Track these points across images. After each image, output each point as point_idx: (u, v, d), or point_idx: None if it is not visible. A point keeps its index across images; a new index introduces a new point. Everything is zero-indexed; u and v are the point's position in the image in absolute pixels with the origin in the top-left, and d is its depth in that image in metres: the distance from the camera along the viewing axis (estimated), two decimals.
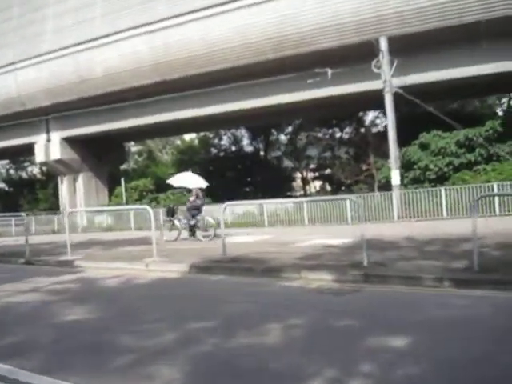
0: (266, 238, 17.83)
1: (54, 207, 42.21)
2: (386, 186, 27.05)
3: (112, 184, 41.42)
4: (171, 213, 19.44)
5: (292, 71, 27.59)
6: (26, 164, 55.87)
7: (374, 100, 27.25)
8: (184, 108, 33.03)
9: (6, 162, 55.91)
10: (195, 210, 18.47)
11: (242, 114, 33.80)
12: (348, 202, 23.37)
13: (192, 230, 18.45)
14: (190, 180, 20.11)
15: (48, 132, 38.90)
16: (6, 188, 56.37)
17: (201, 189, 19.36)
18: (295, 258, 10.87)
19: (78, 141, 38.52)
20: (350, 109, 37.85)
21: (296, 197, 48.43)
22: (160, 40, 30.28)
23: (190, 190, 20.53)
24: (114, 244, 18.25)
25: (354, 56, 25.18)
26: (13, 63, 36.55)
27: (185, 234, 18.67)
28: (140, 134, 42.15)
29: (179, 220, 18.96)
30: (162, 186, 40.70)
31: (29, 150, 40.58)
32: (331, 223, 24.02)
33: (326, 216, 24.77)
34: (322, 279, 8.65)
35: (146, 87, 32.07)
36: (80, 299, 8.20)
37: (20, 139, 39.93)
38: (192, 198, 18.91)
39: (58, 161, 38.69)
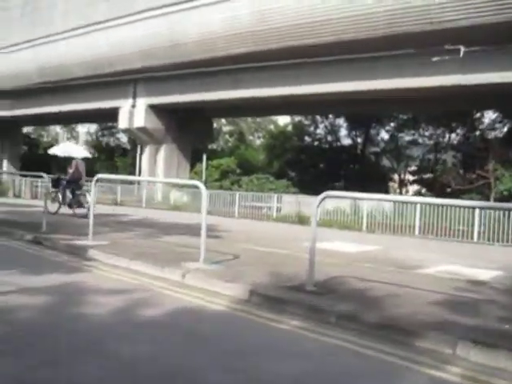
0: (368, 249, 12.90)
1: None
2: (507, 199, 21.58)
3: (195, 160, 37.69)
4: (56, 184, 17.22)
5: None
6: (114, 130, 53.05)
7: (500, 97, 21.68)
8: (274, 85, 28.52)
9: (95, 127, 53.67)
10: (73, 184, 16.57)
11: (341, 98, 29.20)
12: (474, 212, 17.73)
13: (70, 204, 16.64)
14: (71, 150, 18.95)
15: (134, 97, 35.61)
16: (95, 154, 54.09)
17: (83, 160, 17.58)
18: (432, 302, 6.17)
19: (163, 110, 35.06)
20: (465, 106, 32.18)
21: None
22: (263, 4, 25.74)
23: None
24: (166, 229, 14.29)
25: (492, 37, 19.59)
26: (106, 21, 33.22)
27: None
28: (228, 109, 38.22)
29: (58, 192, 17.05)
30: (247, 170, 36.71)
31: (114, 115, 37.38)
32: (450, 238, 18.36)
33: (444, 227, 18.93)
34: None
35: (240, 57, 27.78)
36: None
37: (106, 102, 36.90)
38: (71, 170, 16.86)
39: (141, 129, 35.33)
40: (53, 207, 15.62)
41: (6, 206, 18.57)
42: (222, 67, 29.26)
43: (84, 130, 66.71)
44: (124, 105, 36.02)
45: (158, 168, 36.27)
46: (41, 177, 18.32)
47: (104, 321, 5.04)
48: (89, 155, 18.91)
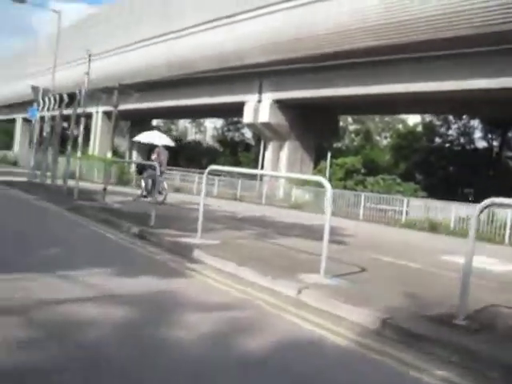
0: None
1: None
2: None
3: (318, 158, 36.29)
4: (140, 171, 17.27)
5: None
6: (239, 126, 52.88)
7: None
8: (404, 80, 26.56)
9: (221, 121, 53.83)
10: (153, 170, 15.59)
11: (479, 97, 26.64)
12: None
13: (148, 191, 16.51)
14: (154, 137, 18.83)
15: (260, 92, 34.79)
16: (219, 148, 54.38)
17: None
18: None
19: (288, 105, 33.99)
20: None
21: None
22: None
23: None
24: (283, 229, 13.01)
25: None
26: (233, 15, 32.75)
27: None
28: (354, 106, 36.53)
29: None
30: (371, 170, 34.81)
31: (239, 109, 36.87)
32: None
33: None
34: None
35: (368, 51, 26.08)
36: None
37: (231, 97, 36.50)
38: (153, 157, 16.78)
39: (266, 124, 34.43)
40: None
41: (122, 196, 18.16)
42: (347, 61, 27.63)
43: (211, 125, 67.84)
44: (249, 99, 35.41)
45: (281, 164, 35.31)
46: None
47: (195, 353, 3.82)
48: (171, 144, 18.53)
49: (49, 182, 18.08)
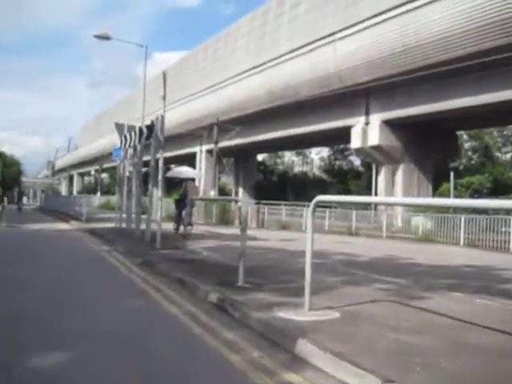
0: None
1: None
2: None
3: (437, 180, 31.98)
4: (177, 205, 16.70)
5: None
6: (346, 153, 49.23)
7: None
8: None
9: (327, 151, 50.47)
10: (182, 203, 16.05)
11: None
12: None
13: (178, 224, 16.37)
14: (180, 172, 19.04)
15: (367, 113, 31.33)
16: (326, 178, 50.95)
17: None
18: None
19: (400, 125, 30.28)
20: None
21: None
22: None
23: None
24: (430, 278, 9.19)
25: None
26: (332, 34, 29.76)
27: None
28: (473, 119, 31.89)
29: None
30: (497, 189, 30.00)
31: (344, 135, 33.48)
32: None
33: None
34: None
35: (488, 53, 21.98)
36: None
37: (336, 122, 33.22)
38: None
39: (376, 147, 30.85)
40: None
41: (215, 239, 15.23)
42: (463, 64, 23.53)
43: (316, 156, 64.77)
44: (356, 123, 31.99)
45: (396, 190, 31.41)
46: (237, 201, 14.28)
47: None
48: (196, 176, 19.65)
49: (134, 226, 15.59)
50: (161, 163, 12.41)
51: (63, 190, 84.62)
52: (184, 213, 15.81)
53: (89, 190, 72.43)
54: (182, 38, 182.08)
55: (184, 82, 46.11)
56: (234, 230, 20.80)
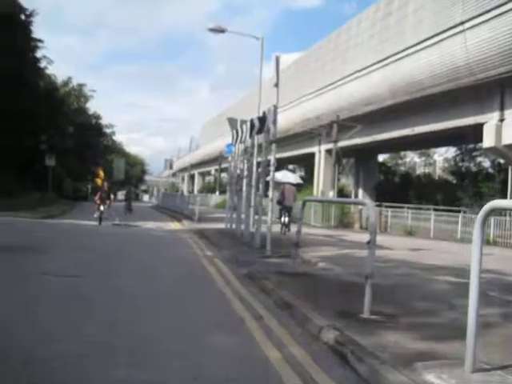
0: None
1: None
2: None
3: None
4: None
5: None
6: (474, 154, 45.12)
7: None
8: None
9: (453, 151, 46.66)
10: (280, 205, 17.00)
11: None
12: None
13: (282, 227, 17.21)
14: (280, 176, 19.97)
15: (502, 108, 27.83)
16: (453, 180, 47.14)
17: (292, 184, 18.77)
18: None
19: None
20: None
21: None
22: None
23: None
24: None
25: None
26: (461, 23, 26.74)
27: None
28: None
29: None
30: None
31: (474, 134, 30.24)
32: None
33: None
34: None
35: None
36: None
37: (464, 119, 29.96)
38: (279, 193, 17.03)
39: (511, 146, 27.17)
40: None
41: (334, 246, 13.39)
42: None
43: (440, 158, 60.52)
44: (488, 119, 28.65)
45: None
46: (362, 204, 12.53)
47: None
48: (296, 181, 19.72)
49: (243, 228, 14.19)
50: (272, 159, 10.84)
51: (184, 188, 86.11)
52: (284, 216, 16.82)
53: (209, 189, 72.88)
54: (302, 39, 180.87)
55: (303, 80, 44.56)
56: (354, 236, 18.88)
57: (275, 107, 10.87)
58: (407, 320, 5.33)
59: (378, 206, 27.05)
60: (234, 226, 15.71)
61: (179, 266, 9.80)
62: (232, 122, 16.18)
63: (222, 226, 18.20)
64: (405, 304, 6.20)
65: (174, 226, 21.26)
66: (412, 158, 63.42)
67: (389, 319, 5.33)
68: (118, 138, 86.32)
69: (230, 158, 16.89)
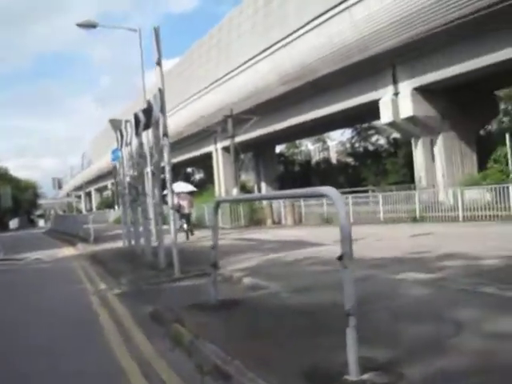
0: None
1: (406, 180, 30.07)
2: None
3: (480, 148, 27.69)
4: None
5: None
6: (370, 132, 44.75)
7: None
8: None
9: (349, 132, 46.17)
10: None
11: None
12: None
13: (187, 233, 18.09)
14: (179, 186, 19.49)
15: (395, 83, 27.07)
16: (352, 162, 46.63)
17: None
18: None
19: (434, 91, 25.99)
20: None
21: None
22: None
23: None
24: None
25: None
26: None
27: None
28: None
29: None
30: None
31: (368, 112, 29.33)
32: None
33: None
34: None
35: None
36: None
37: (359, 97, 29.01)
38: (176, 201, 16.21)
39: (410, 119, 26.62)
40: None
41: (256, 252, 11.14)
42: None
43: (333, 142, 60.30)
44: (383, 95, 27.65)
45: (437, 164, 27.08)
46: (321, 196, 10.27)
47: None
48: (188, 189, 20.04)
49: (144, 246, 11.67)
50: (166, 157, 8.42)
51: (82, 207, 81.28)
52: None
53: (107, 204, 69.04)
54: (185, 43, 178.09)
55: (189, 80, 42.06)
56: (270, 233, 16.83)
57: (161, 91, 8.45)
58: (418, 370, 3.20)
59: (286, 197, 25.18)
60: (133, 242, 13.16)
61: (56, 318, 6.77)
62: (115, 122, 13.60)
63: (120, 244, 15.55)
64: (398, 336, 4.06)
65: (67, 251, 18.17)
66: (306, 145, 62.86)
67: (391, 377, 3.17)
68: (4, 164, 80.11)
69: (117, 165, 14.22)
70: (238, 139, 33.83)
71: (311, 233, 15.67)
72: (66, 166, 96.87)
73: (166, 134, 8.38)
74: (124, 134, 11.92)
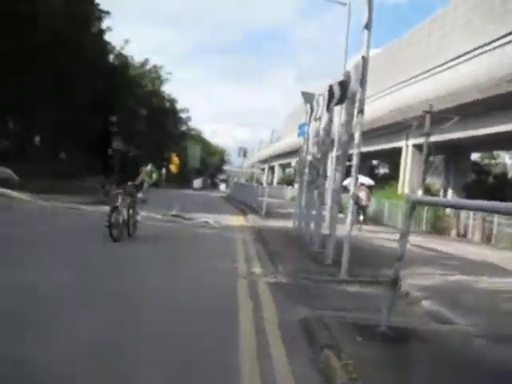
0: None
1: None
2: None
3: None
4: None
5: None
6: None
7: None
8: None
9: None
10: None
11: None
12: None
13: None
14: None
15: None
16: None
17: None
18: None
19: None
20: None
21: None
22: None
23: None
24: None
25: None
26: None
27: None
28: None
29: None
30: None
31: None
32: None
33: None
34: None
35: None
36: None
37: None
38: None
39: None
40: None
41: (446, 268, 9.36)
42: None
43: None
44: None
45: None
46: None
47: None
48: (368, 183, 19.17)
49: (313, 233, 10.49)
50: (357, 137, 7.09)
51: (264, 180, 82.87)
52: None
53: (288, 181, 69.45)
54: (388, 34, 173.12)
55: (392, 69, 39.91)
56: (455, 247, 14.76)
57: (364, 59, 7.07)
58: None
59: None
60: (303, 224, 12.08)
61: (187, 306, 5.71)
62: (307, 95, 12.50)
63: (290, 224, 14.63)
64: None
65: (235, 221, 17.76)
66: (504, 158, 57.03)
67: None
68: (203, 128, 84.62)
69: (302, 141, 13.13)
70: (432, 139, 31.18)
71: (505, 257, 13.30)
72: (257, 138, 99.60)
73: (361, 111, 7.04)
74: (315, 107, 10.79)
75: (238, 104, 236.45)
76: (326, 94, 9.27)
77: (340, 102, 8.59)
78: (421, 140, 31.58)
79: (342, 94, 8.36)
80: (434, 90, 32.23)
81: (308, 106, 11.76)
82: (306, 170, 11.77)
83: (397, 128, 37.88)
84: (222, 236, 12.70)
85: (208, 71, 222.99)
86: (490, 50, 27.84)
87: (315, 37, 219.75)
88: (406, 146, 40.33)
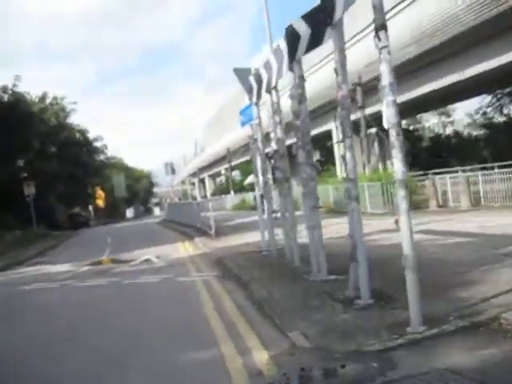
0: None
1: None
2: None
3: None
4: None
5: None
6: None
7: None
8: None
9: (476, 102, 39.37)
10: None
11: None
12: None
13: None
14: None
15: None
16: (486, 135, 39.92)
17: None
18: None
19: None
20: None
21: None
22: None
23: None
24: None
25: None
26: None
27: None
28: None
29: None
30: None
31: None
32: None
33: None
34: None
35: None
36: None
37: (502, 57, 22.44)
38: None
39: None
40: None
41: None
42: None
43: (458, 116, 53.46)
44: None
45: None
46: None
47: None
48: None
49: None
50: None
51: (197, 194, 79.20)
52: None
53: (221, 190, 66.33)
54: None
55: None
56: (436, 221, 12.01)
57: None
58: None
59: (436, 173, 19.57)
60: (276, 236, 8.77)
61: None
62: (241, 72, 9.27)
63: (251, 238, 11.35)
64: None
65: (183, 250, 14.22)
66: (427, 120, 56.05)
67: None
68: (124, 155, 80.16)
69: (251, 129, 9.63)
70: (358, 115, 28.62)
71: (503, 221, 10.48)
72: (181, 155, 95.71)
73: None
74: (255, 84, 7.50)
75: (153, 125, 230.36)
76: (282, 42, 6.02)
77: (315, 44, 5.31)
78: (352, 117, 29.00)
79: (317, 30, 5.13)
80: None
81: (247, 85, 8.47)
82: (269, 165, 8.42)
83: (322, 111, 35.18)
84: (173, 283, 8.86)
85: (115, 98, 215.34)
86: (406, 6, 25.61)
87: (214, 45, 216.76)
88: (336, 127, 37.62)
